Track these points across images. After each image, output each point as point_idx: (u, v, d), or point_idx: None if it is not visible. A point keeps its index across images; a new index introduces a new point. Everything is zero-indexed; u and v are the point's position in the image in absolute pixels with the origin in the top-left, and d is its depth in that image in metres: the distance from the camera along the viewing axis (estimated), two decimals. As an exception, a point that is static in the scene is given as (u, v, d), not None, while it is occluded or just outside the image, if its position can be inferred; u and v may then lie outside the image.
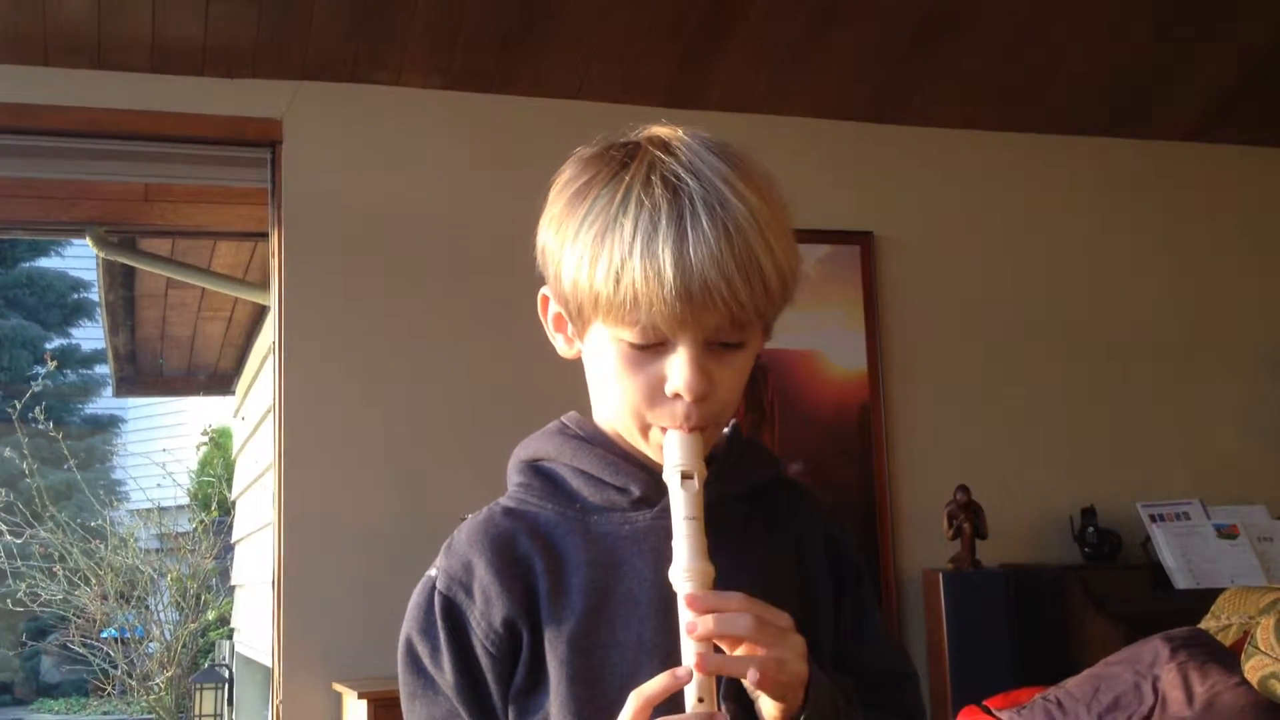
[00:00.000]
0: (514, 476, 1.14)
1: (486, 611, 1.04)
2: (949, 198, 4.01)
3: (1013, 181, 4.10)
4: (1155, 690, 2.16)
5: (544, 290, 1.11)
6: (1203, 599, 2.70)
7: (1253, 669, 2.07)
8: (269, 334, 3.83)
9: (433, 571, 1.09)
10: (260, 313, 5.80)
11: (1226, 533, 3.59)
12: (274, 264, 3.46)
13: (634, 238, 0.98)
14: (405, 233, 3.49)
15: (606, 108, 3.62)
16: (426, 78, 3.54)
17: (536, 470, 1.12)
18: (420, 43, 3.40)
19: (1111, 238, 4.15)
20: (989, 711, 2.43)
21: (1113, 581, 3.55)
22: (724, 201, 0.99)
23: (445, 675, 1.05)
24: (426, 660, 1.06)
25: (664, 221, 0.98)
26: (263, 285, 4.98)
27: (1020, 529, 3.80)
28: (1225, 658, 2.19)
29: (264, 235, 3.77)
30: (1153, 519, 3.63)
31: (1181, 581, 3.45)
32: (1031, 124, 4.08)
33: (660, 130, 1.06)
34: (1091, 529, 3.75)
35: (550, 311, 1.11)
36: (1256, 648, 2.08)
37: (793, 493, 1.17)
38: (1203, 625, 2.51)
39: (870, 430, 3.76)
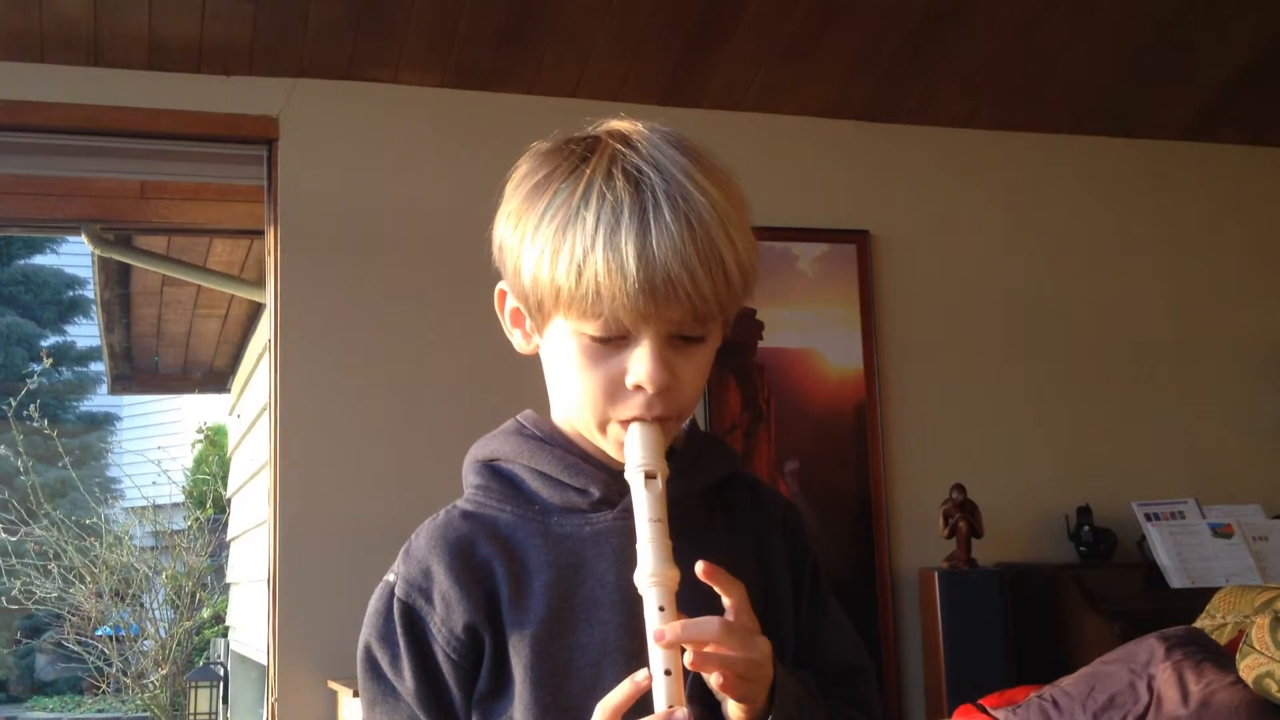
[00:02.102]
0: (471, 478, 1.13)
1: (448, 618, 1.03)
2: (946, 197, 4.01)
3: (1010, 180, 4.10)
4: (1150, 689, 2.16)
5: (501, 285, 1.11)
6: (1198, 598, 2.70)
7: (1248, 668, 2.08)
8: (265, 331, 3.83)
9: (390, 577, 1.07)
10: (256, 310, 5.79)
11: (1221, 532, 3.60)
12: (270, 261, 3.45)
13: (596, 230, 0.97)
14: (402, 230, 3.49)
15: (604, 105, 3.60)
16: (423, 75, 3.54)
17: (494, 471, 1.11)
18: (417, 40, 3.40)
19: (1108, 237, 4.15)
20: (984, 710, 2.43)
21: (1108, 580, 3.55)
22: (686, 194, 0.99)
23: (406, 682, 1.04)
24: (386, 667, 1.05)
25: (626, 214, 0.97)
26: (258, 283, 4.98)
27: (1016, 528, 3.81)
28: (1220, 657, 2.19)
29: (260, 233, 3.77)
30: (1148, 518, 3.63)
31: (1177, 580, 3.45)
32: (1029, 123, 4.08)
33: (619, 124, 1.06)
34: (1087, 528, 3.76)
35: (507, 307, 1.11)
36: (1252, 646, 2.08)
37: (750, 488, 1.17)
38: (1198, 624, 2.51)
39: (866, 429, 3.76)
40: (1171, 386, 4.11)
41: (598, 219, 0.97)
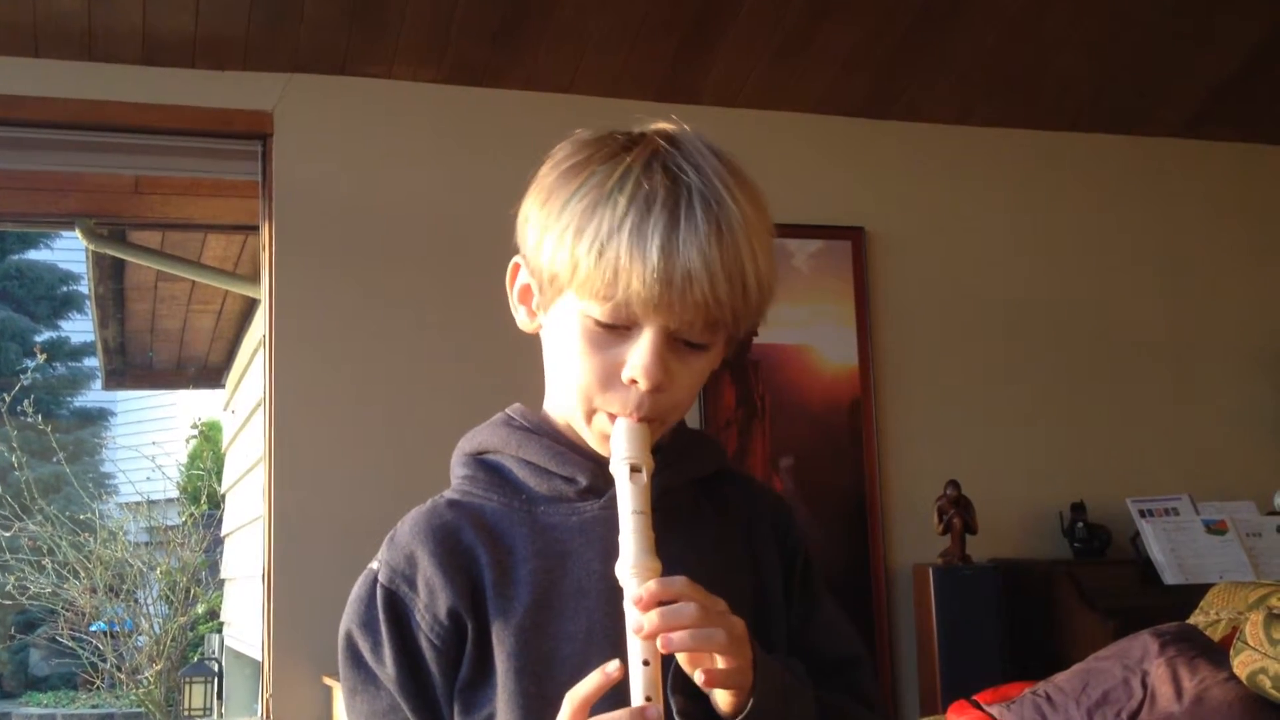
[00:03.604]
0: (458, 469, 1.13)
1: (431, 603, 1.03)
2: (941, 194, 4.01)
3: (1005, 178, 4.10)
4: (1145, 685, 2.16)
5: (516, 258, 1.10)
6: (1192, 594, 2.70)
7: (1242, 664, 2.08)
8: (259, 327, 3.83)
9: (374, 564, 1.07)
10: (250, 306, 5.78)
11: (1215, 528, 3.60)
12: (264, 257, 3.45)
13: (626, 214, 0.97)
14: (396, 226, 3.48)
15: (599, 102, 3.62)
16: (418, 71, 3.53)
17: (481, 463, 1.11)
18: (412, 35, 3.39)
19: (1103, 234, 4.15)
20: (979, 706, 2.43)
21: (1102, 577, 3.56)
22: (720, 200, 0.99)
23: (387, 669, 1.04)
24: (367, 654, 1.05)
25: (659, 205, 0.97)
26: (253, 278, 4.97)
27: (1010, 524, 3.81)
28: (1214, 653, 2.19)
29: (254, 228, 3.75)
30: (1142, 514, 3.63)
31: (1170, 577, 3.46)
32: (1025, 120, 4.08)
33: (666, 125, 1.06)
34: (1081, 524, 3.76)
35: (518, 282, 1.10)
36: (1245, 643, 2.08)
37: (739, 483, 1.17)
38: (1192, 621, 2.51)
39: (861, 425, 3.77)
40: (1166, 383, 4.11)
41: (630, 203, 0.98)
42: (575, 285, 1.00)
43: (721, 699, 0.98)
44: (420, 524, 1.07)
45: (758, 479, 1.22)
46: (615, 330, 1.01)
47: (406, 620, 1.04)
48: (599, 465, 1.05)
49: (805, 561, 1.16)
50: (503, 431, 1.11)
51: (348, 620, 1.07)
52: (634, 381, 1.00)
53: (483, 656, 1.03)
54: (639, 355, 1.00)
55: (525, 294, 1.10)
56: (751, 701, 0.96)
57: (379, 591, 1.05)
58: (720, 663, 0.95)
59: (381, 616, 1.04)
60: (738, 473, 1.19)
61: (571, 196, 1.01)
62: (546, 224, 1.02)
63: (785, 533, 1.16)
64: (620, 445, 1.00)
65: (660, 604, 0.93)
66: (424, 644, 1.03)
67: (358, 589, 1.07)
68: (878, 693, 1.17)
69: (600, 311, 1.00)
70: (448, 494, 1.11)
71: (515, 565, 1.04)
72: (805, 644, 1.13)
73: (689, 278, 0.97)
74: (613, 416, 1.02)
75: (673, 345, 1.01)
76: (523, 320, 1.11)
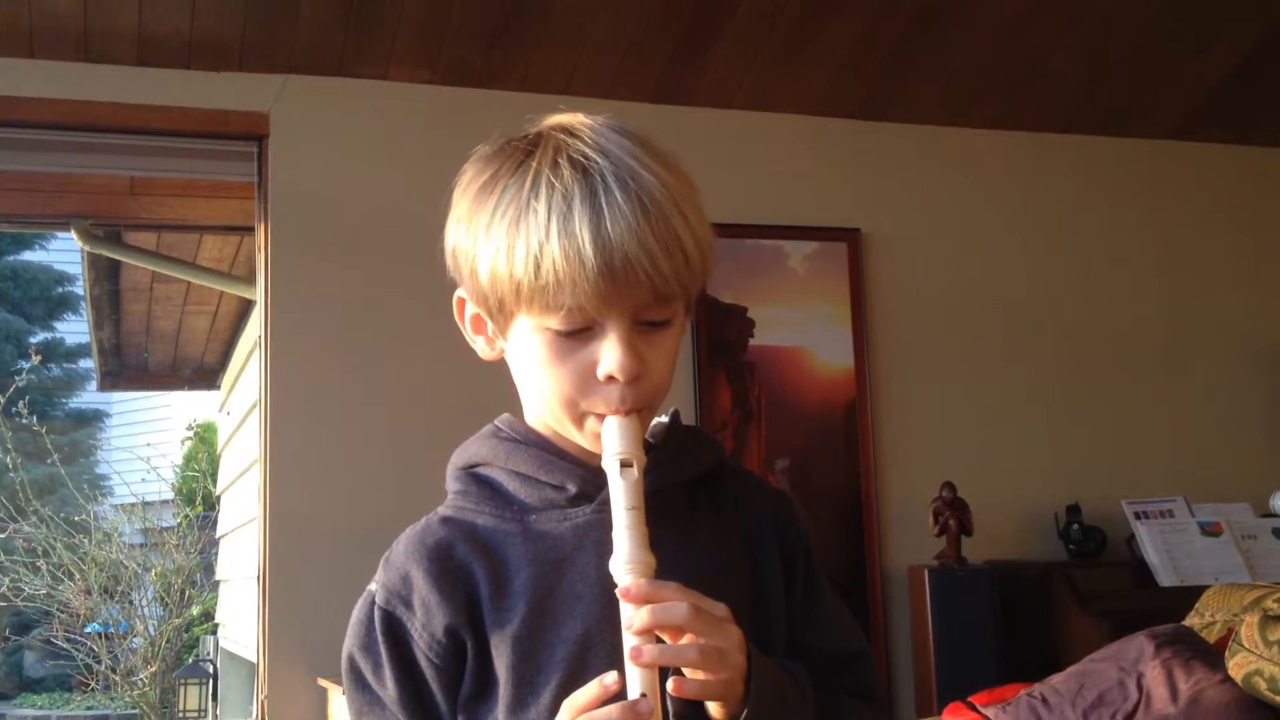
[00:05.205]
0: (451, 484, 1.13)
1: (428, 623, 1.03)
2: (937, 195, 4.02)
3: (1000, 179, 4.10)
4: (1140, 687, 2.16)
5: (459, 292, 1.09)
6: (1187, 596, 2.71)
7: (1237, 666, 2.08)
8: (255, 328, 3.82)
9: (372, 586, 1.08)
10: (246, 307, 5.77)
11: (1210, 530, 3.61)
12: (260, 258, 3.45)
13: (549, 220, 0.96)
14: (392, 227, 3.48)
15: (595, 103, 3.59)
16: (414, 72, 3.53)
17: (473, 476, 1.11)
18: (408, 37, 3.39)
19: (1098, 236, 4.16)
20: (975, 708, 2.43)
21: (1097, 578, 3.56)
22: (635, 175, 0.98)
23: (389, 690, 1.04)
24: (369, 676, 1.06)
25: (577, 200, 0.96)
26: (249, 279, 4.96)
27: (1006, 526, 3.81)
28: (1209, 655, 2.19)
29: (250, 229, 3.75)
30: (1137, 516, 3.64)
31: (1165, 579, 3.46)
32: (1019, 121, 4.08)
33: (561, 117, 1.05)
34: (1076, 526, 3.76)
35: (467, 314, 1.10)
36: (1240, 645, 2.08)
37: (738, 478, 1.16)
38: (1187, 622, 2.51)
39: (857, 427, 3.77)
40: (1161, 385, 4.12)
41: (549, 208, 0.97)
42: (524, 304, 0.99)
43: (712, 708, 0.97)
44: (414, 543, 1.07)
45: (756, 473, 1.21)
46: (577, 335, 1.00)
47: (405, 641, 1.04)
48: (588, 471, 1.05)
49: (807, 554, 1.16)
50: (491, 443, 1.11)
51: (349, 644, 1.08)
52: (612, 378, 1.00)
53: (483, 670, 1.03)
54: (610, 352, 0.99)
55: (477, 324, 1.09)
56: (746, 712, 0.95)
57: (377, 614, 1.05)
58: (701, 675, 0.94)
59: (380, 639, 1.05)
60: (737, 467, 1.18)
61: (492, 218, 1.00)
62: (476, 251, 1.02)
63: (785, 525, 1.15)
64: (611, 441, 1.00)
65: (649, 601, 0.93)
66: (423, 663, 1.04)
67: (357, 612, 1.08)
68: (877, 686, 1.17)
69: (556, 322, 0.99)
70: (441, 510, 1.11)
71: (510, 577, 1.04)
72: (806, 638, 1.12)
73: (629, 262, 0.96)
74: (600, 417, 1.02)
75: (638, 330, 1.00)
76: (483, 350, 1.11)
